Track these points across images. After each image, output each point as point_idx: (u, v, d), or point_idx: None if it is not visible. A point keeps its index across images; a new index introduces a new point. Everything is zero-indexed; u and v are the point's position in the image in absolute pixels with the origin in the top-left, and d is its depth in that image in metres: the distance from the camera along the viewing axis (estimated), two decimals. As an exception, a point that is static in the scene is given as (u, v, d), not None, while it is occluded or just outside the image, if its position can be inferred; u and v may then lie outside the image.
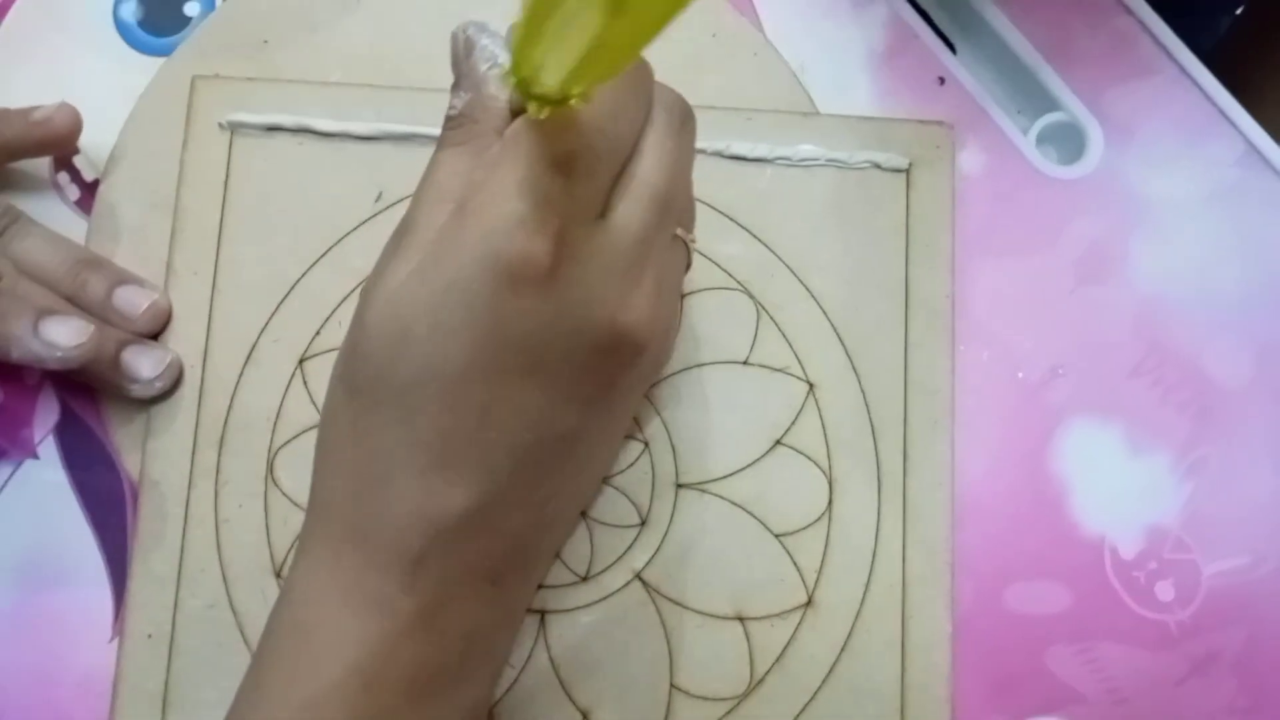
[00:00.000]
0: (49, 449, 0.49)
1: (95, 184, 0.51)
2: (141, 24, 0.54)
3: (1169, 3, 0.55)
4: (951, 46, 0.55)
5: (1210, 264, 0.53)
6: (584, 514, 0.48)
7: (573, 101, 0.34)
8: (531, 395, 0.38)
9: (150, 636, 0.47)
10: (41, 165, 0.52)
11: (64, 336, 0.46)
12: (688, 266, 0.44)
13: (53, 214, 0.51)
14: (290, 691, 0.38)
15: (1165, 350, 0.52)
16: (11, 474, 0.49)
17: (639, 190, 0.38)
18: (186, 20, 0.54)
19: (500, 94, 0.38)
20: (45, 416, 0.49)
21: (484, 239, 0.35)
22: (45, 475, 0.49)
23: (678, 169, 0.39)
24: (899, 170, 0.52)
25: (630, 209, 0.38)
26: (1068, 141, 0.54)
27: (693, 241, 0.43)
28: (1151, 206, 0.53)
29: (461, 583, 0.39)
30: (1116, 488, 0.50)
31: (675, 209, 0.40)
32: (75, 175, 0.52)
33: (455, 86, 0.40)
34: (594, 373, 0.39)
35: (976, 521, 0.50)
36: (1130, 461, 0.51)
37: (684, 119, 0.40)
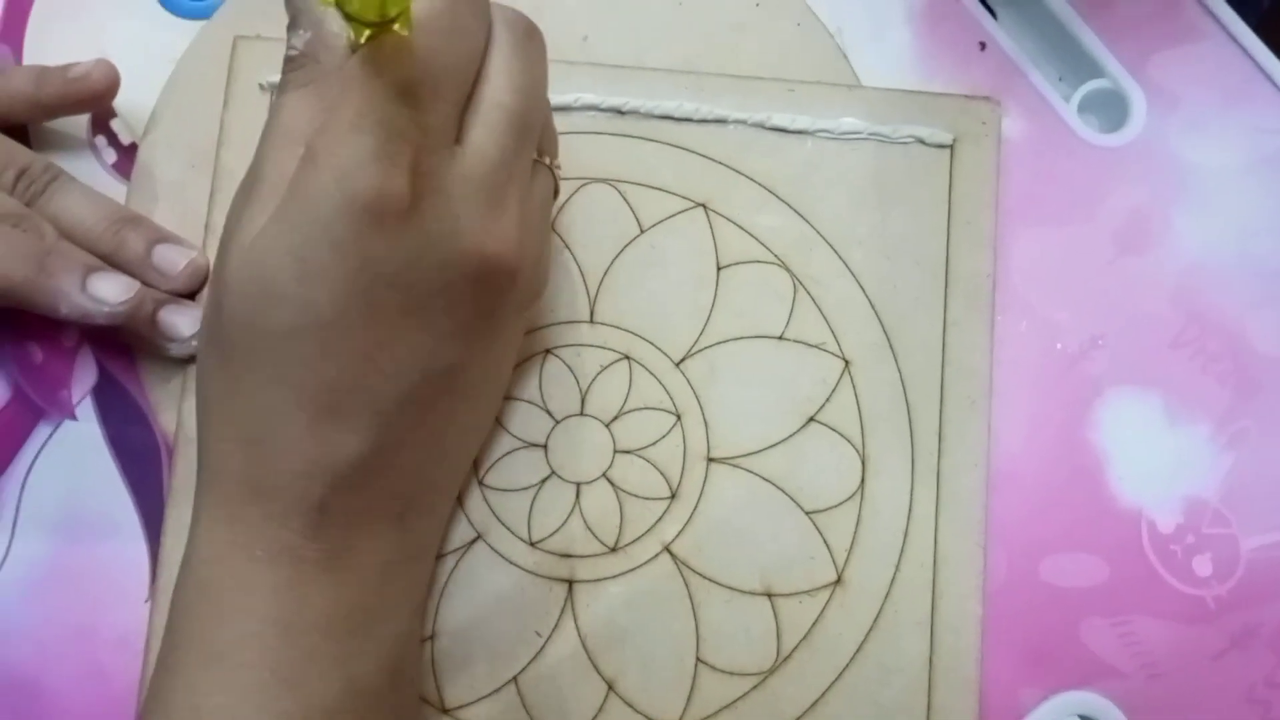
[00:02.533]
0: (86, 410, 0.47)
1: (132, 147, 0.49)
2: (178, -14, 0.51)
3: (1217, -33, 0.52)
4: (992, 11, 0.52)
5: (1253, 233, 0.50)
6: (611, 483, 0.46)
7: (396, 26, 0.32)
8: (411, 333, 0.36)
9: (184, 596, 0.45)
10: (79, 128, 0.50)
11: (111, 292, 0.44)
12: (555, 193, 0.42)
13: (90, 176, 0.48)
14: (206, 646, 0.37)
15: (1206, 320, 0.49)
16: (51, 434, 0.47)
17: (490, 113, 0.36)
18: None
19: (342, 31, 0.36)
20: (83, 377, 0.48)
21: (338, 181, 0.33)
22: (83, 435, 0.47)
23: (530, 88, 0.37)
24: (943, 146, 0.49)
25: (484, 133, 0.36)
26: (1110, 109, 0.51)
27: (557, 168, 0.42)
28: (1194, 175, 0.50)
29: (364, 524, 0.38)
30: (1155, 460, 0.48)
31: (533, 131, 0.38)
32: (112, 138, 0.50)
33: (292, 25, 0.38)
34: (469, 304, 0.37)
35: (1012, 493, 0.47)
36: (1169, 433, 0.48)
37: (528, 35, 0.38)
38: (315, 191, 0.34)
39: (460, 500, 0.46)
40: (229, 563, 0.37)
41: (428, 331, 0.36)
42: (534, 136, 0.38)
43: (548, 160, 0.41)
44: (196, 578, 0.38)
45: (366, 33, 0.32)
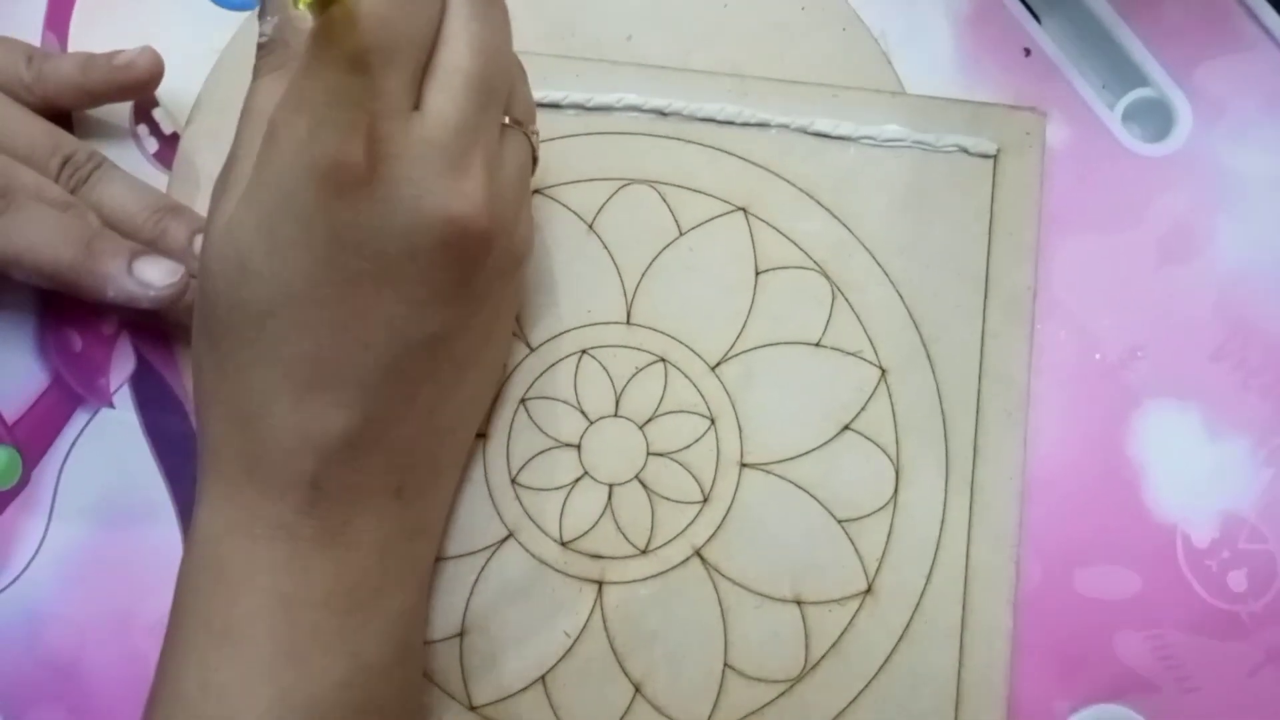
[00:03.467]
0: (124, 398, 0.47)
1: (174, 136, 0.49)
2: (223, -21, 0.51)
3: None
4: (1037, 17, 0.51)
5: None
6: (643, 486, 0.46)
7: None
8: (387, 303, 0.36)
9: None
10: (121, 117, 0.49)
11: (157, 275, 0.44)
12: (534, 161, 0.42)
13: (132, 165, 0.48)
14: (212, 624, 0.37)
15: (1249, 333, 0.48)
16: (89, 421, 0.47)
17: (448, 77, 0.36)
18: None
19: (305, 12, 0.35)
20: (121, 365, 0.47)
21: (295, 152, 0.34)
22: (120, 423, 0.47)
23: (491, 51, 0.37)
24: (987, 156, 0.48)
25: (442, 97, 0.36)
26: (1154, 117, 0.50)
27: (534, 133, 0.41)
28: (1239, 186, 0.49)
29: (361, 499, 0.38)
30: (1192, 474, 0.47)
31: (497, 94, 0.38)
32: (154, 128, 0.49)
33: (261, 12, 0.38)
34: (443, 269, 0.36)
35: (1048, 502, 0.46)
36: (1208, 447, 0.47)
37: (488, 0, 0.37)
38: (276, 166, 0.34)
39: (492, 498, 0.45)
40: (231, 540, 0.37)
41: (403, 300, 0.36)
42: (498, 100, 0.38)
43: (524, 127, 0.40)
44: (200, 556, 0.38)
45: (308, 5, 0.32)
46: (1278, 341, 0.48)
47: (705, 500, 0.45)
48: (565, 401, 0.46)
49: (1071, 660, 0.45)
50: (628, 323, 0.46)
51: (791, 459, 0.46)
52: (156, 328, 0.47)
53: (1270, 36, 0.50)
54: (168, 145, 0.49)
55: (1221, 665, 0.45)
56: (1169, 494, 0.46)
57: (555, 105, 0.47)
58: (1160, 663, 0.45)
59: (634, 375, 0.46)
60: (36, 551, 0.46)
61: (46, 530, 0.46)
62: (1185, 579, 0.46)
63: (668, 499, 0.45)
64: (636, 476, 0.45)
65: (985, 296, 0.47)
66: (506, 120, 0.39)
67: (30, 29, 0.50)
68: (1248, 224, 0.48)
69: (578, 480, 0.45)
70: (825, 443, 0.46)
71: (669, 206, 0.47)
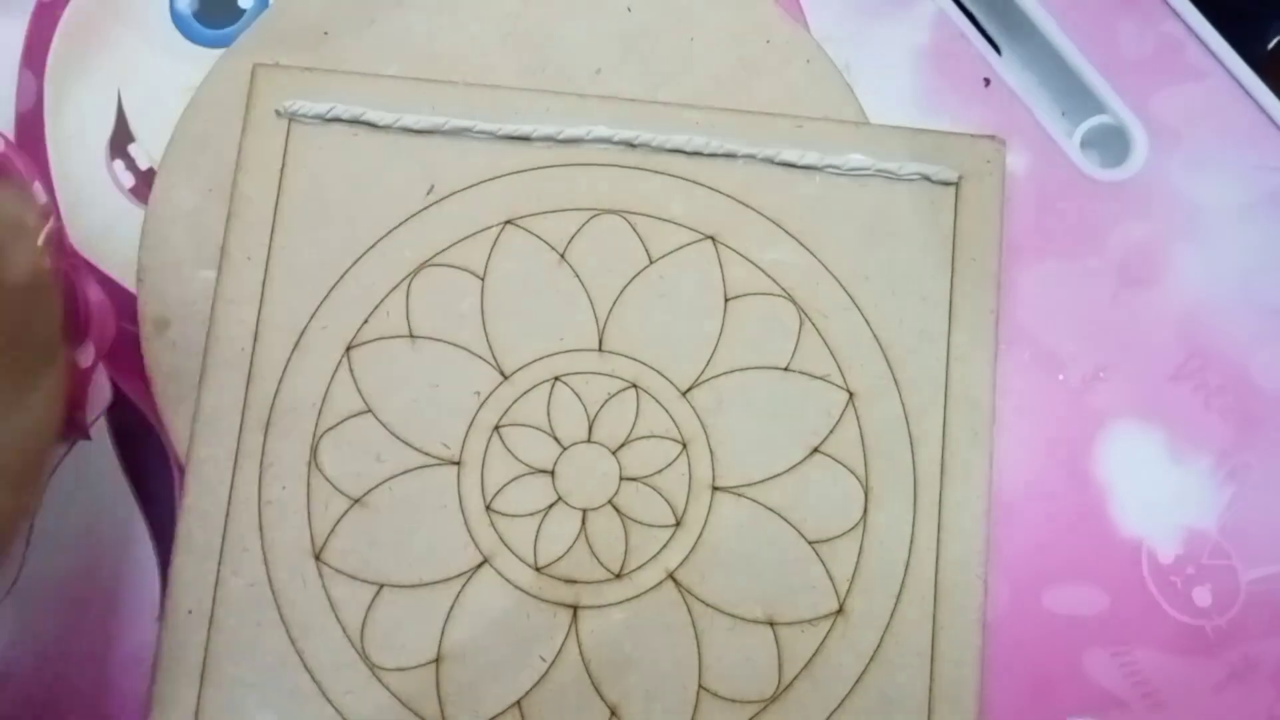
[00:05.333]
0: (100, 431, 0.47)
1: (149, 172, 0.49)
2: (197, 15, 0.51)
3: (1219, 9, 0.51)
4: (997, 48, 0.52)
5: (1255, 270, 0.49)
6: (617, 510, 0.45)
7: None
8: None
9: (190, 612, 0.45)
10: (98, 152, 0.49)
11: None
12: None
13: (107, 200, 0.48)
14: None
15: (1208, 354, 0.48)
16: (64, 455, 0.47)
17: None
18: (241, 12, 0.51)
19: None
20: (98, 398, 0.47)
21: None
22: (97, 455, 0.47)
23: None
24: (948, 183, 0.48)
25: None
26: (1112, 145, 0.50)
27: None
28: (1197, 211, 0.49)
29: None
30: (1156, 492, 0.47)
31: None
32: (130, 163, 0.49)
33: None
34: None
35: (1015, 524, 0.46)
36: (1171, 466, 0.47)
37: None
38: None
39: (467, 525, 0.45)
40: None
41: None
42: None
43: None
44: None
45: None
46: (1238, 363, 0.48)
47: (678, 524, 0.45)
48: (538, 428, 0.46)
49: (1041, 679, 0.45)
50: (600, 350, 0.46)
51: (762, 482, 0.46)
52: (134, 360, 0.47)
53: (1223, 67, 0.50)
54: (144, 181, 0.48)
55: (1187, 681, 0.46)
56: (1133, 511, 0.47)
57: (526, 138, 0.47)
58: (1127, 680, 0.45)
59: (606, 401, 0.46)
60: (13, 584, 0.45)
61: (23, 563, 0.46)
62: (1152, 595, 0.46)
63: (641, 523, 0.45)
64: (610, 501, 0.45)
65: (950, 321, 0.47)
66: None
67: (6, 68, 0.50)
68: (1205, 248, 0.49)
69: (551, 506, 0.45)
70: (795, 465, 0.46)
71: (639, 236, 0.47)
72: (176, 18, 0.51)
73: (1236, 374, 0.48)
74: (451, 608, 0.44)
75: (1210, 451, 0.47)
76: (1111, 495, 0.47)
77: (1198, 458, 0.47)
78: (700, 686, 0.44)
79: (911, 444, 0.46)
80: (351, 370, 0.47)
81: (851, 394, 0.46)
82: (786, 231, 0.48)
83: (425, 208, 0.48)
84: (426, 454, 0.45)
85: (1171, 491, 0.47)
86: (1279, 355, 0.48)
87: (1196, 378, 0.48)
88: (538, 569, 0.45)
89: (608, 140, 0.48)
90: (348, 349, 0.47)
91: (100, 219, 0.48)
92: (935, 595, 0.45)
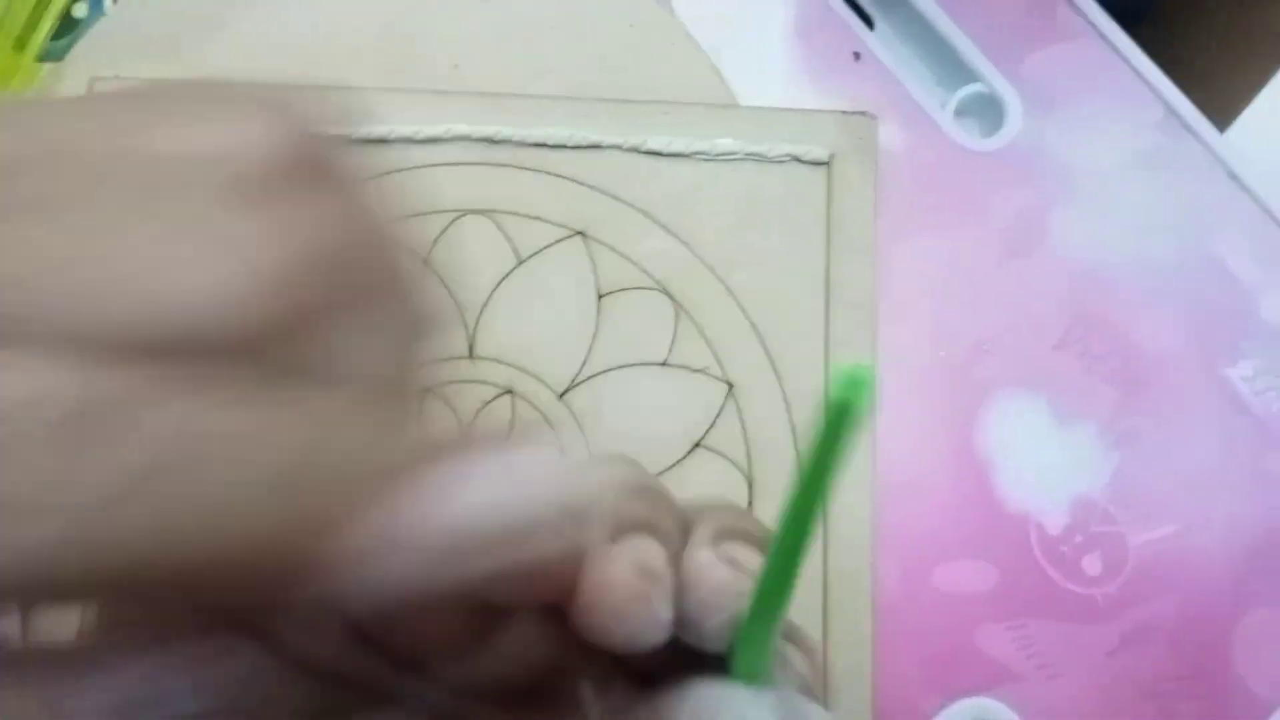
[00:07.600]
0: None
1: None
2: (26, 26, 0.49)
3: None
4: (869, 22, 0.50)
5: (1135, 231, 0.49)
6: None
7: None
8: None
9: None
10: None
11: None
12: None
13: None
14: None
15: (1091, 320, 0.48)
16: None
17: None
18: (75, 23, 0.49)
19: None
20: None
21: None
22: None
23: None
24: (819, 163, 0.47)
25: None
26: (987, 113, 0.50)
27: None
28: (1074, 175, 0.49)
29: None
30: (1042, 462, 0.47)
31: None
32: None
33: None
34: None
35: (902, 504, 0.46)
36: (1056, 435, 0.47)
37: None
38: None
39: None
40: None
41: None
42: None
43: None
44: None
45: None
46: (1121, 327, 0.47)
47: (563, 527, 0.44)
48: (411, 440, 0.44)
49: (935, 658, 0.45)
50: (471, 356, 0.45)
51: (647, 480, 0.44)
52: None
53: (1094, 27, 0.50)
54: None
55: (1081, 650, 0.45)
56: (1021, 485, 0.46)
57: (382, 140, 0.46)
58: (1022, 652, 0.45)
59: (481, 409, 0.44)
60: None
61: None
62: (1041, 566, 0.45)
63: (524, 529, 0.44)
64: (491, 511, 0.44)
65: (827, 304, 0.46)
66: None
67: None
68: (1084, 213, 0.48)
69: (431, 519, 0.44)
70: (678, 461, 0.45)
71: (505, 235, 0.46)
72: (5, 30, 0.48)
73: (1120, 337, 0.47)
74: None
75: (1096, 418, 0.47)
76: (998, 470, 0.46)
77: (1084, 425, 0.47)
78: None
79: (794, 431, 0.45)
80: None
81: (731, 385, 0.45)
82: (657, 222, 0.46)
83: (284, 214, 0.46)
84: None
85: (1058, 462, 0.46)
86: (1162, 316, 0.48)
87: (1080, 344, 0.47)
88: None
89: (468, 138, 0.46)
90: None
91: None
92: (825, 582, 0.44)
